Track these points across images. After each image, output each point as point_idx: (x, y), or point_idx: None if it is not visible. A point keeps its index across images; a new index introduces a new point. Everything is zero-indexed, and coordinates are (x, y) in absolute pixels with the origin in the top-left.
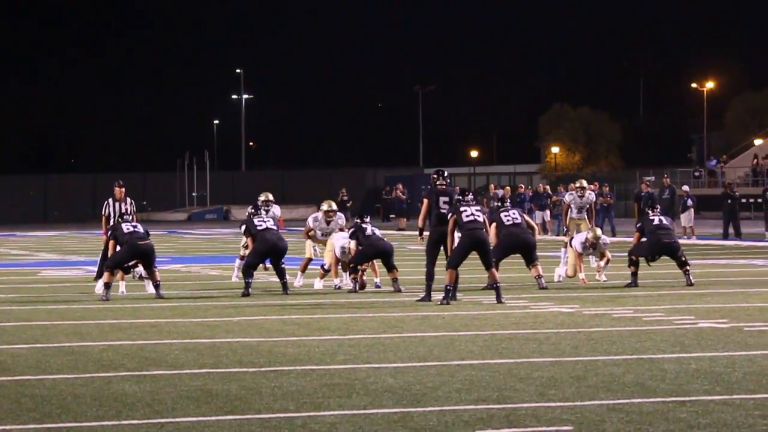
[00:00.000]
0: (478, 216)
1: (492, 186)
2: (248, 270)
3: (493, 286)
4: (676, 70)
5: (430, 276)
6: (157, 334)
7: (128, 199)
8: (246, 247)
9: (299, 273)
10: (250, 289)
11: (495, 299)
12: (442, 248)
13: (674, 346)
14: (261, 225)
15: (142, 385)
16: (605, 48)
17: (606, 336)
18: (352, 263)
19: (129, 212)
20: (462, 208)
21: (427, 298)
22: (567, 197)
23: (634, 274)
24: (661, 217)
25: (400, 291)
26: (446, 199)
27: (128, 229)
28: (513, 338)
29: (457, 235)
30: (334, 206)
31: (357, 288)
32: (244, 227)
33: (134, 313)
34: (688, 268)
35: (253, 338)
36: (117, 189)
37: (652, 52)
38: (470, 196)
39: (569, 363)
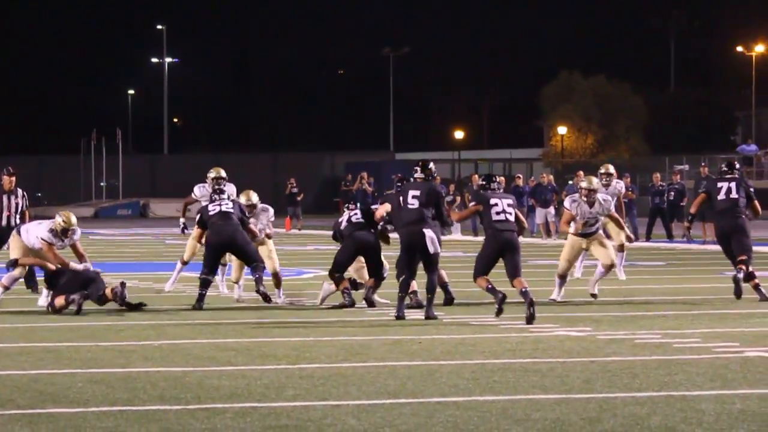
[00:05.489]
0: (510, 214)
1: (475, 177)
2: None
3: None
4: (717, 30)
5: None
6: (56, 361)
7: (19, 191)
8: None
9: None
10: (203, 302)
11: (495, 312)
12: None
13: (713, 380)
14: (214, 209)
15: (36, 427)
16: (627, 0)
17: (626, 367)
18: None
19: (20, 207)
20: (492, 200)
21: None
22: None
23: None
24: None
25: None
26: (417, 193)
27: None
28: (508, 369)
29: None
30: (255, 199)
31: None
32: (198, 216)
33: (26, 335)
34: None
35: (178, 367)
36: (5, 177)
37: (687, 6)
38: (496, 183)
39: (579, 401)
